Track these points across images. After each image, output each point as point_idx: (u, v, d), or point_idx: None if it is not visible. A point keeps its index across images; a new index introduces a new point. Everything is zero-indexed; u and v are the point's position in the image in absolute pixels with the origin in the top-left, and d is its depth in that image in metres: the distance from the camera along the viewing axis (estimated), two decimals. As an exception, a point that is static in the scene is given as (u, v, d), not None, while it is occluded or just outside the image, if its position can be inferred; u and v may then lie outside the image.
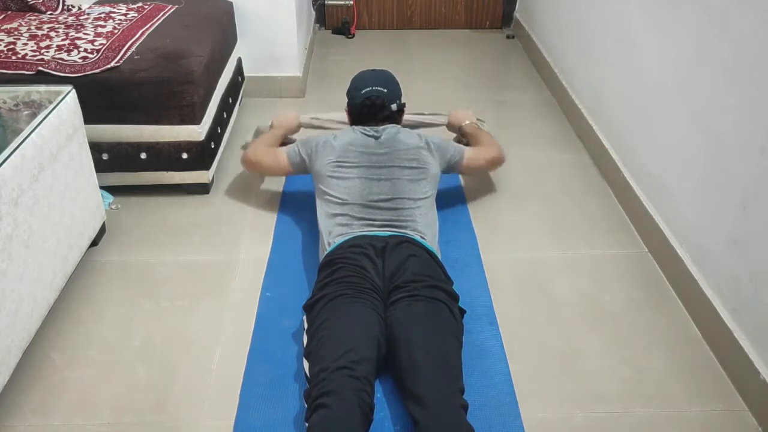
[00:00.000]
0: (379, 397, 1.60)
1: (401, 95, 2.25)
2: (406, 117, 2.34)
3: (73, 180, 1.90)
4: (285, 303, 1.91)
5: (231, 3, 3.00)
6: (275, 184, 2.51)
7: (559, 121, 3.08)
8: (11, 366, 1.60)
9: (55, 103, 1.84)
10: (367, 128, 2.13)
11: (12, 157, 1.58)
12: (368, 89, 2.18)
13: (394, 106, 2.19)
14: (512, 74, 3.74)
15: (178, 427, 1.57)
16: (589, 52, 2.88)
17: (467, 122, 2.49)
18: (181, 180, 2.40)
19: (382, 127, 2.14)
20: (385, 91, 2.18)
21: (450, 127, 2.56)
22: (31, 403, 1.63)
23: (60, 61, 2.19)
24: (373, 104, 2.16)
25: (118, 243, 2.19)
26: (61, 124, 1.83)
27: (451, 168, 2.24)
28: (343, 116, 2.39)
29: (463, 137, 2.48)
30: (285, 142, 2.43)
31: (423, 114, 2.59)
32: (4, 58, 2.20)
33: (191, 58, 2.30)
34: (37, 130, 1.71)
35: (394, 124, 2.18)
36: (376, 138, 2.08)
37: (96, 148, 2.20)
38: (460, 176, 2.53)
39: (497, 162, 2.39)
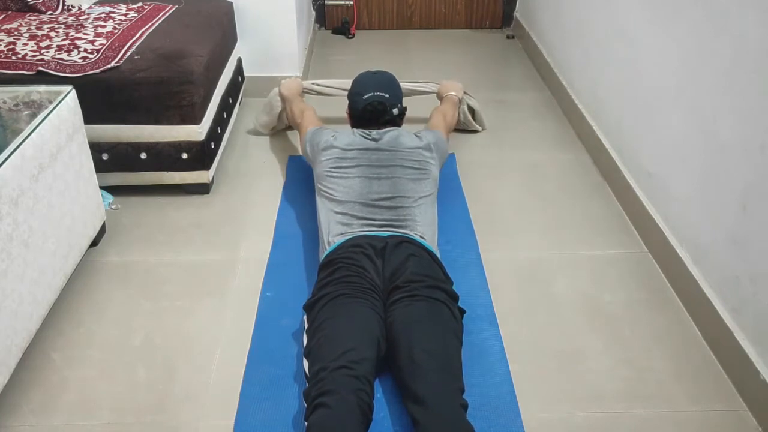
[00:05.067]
0: (379, 396, 1.60)
1: (402, 98, 2.32)
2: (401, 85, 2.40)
3: (73, 180, 1.90)
4: (285, 303, 1.91)
5: (231, 3, 2.99)
6: (275, 184, 2.51)
7: (559, 121, 3.08)
8: (11, 366, 1.60)
9: (55, 103, 1.83)
10: (368, 131, 2.14)
11: (12, 157, 1.58)
12: (370, 94, 2.22)
13: (395, 110, 2.23)
14: (512, 74, 3.73)
15: (178, 427, 1.57)
16: (590, 52, 2.88)
17: (452, 93, 2.68)
18: (181, 180, 2.40)
19: (384, 130, 2.15)
20: (387, 95, 2.23)
21: (439, 96, 2.73)
22: (31, 403, 1.63)
23: (60, 61, 2.19)
24: (375, 110, 2.20)
25: (118, 243, 2.19)
26: (61, 124, 1.83)
27: (443, 157, 2.22)
28: (344, 83, 2.55)
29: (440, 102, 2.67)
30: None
31: (417, 82, 2.79)
32: (4, 58, 2.20)
33: (191, 58, 2.30)
34: (37, 130, 1.71)
35: (395, 127, 2.19)
36: (377, 141, 2.10)
37: (96, 148, 2.20)
38: (459, 176, 2.54)
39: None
